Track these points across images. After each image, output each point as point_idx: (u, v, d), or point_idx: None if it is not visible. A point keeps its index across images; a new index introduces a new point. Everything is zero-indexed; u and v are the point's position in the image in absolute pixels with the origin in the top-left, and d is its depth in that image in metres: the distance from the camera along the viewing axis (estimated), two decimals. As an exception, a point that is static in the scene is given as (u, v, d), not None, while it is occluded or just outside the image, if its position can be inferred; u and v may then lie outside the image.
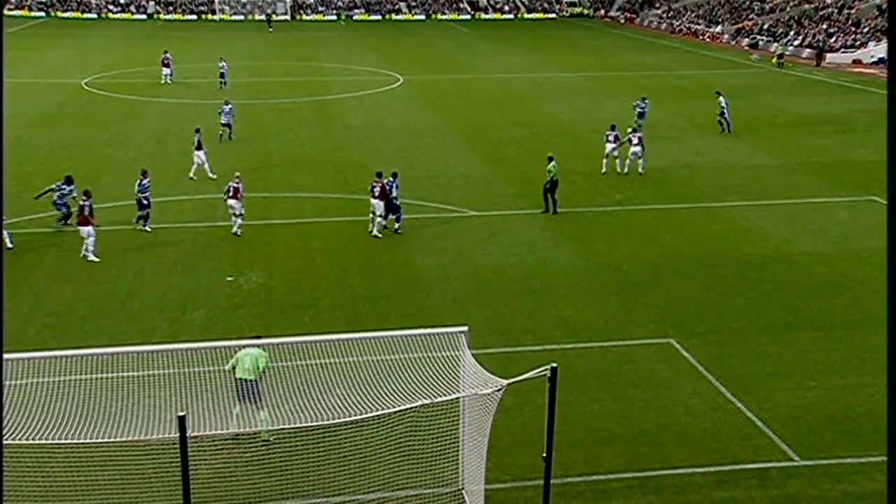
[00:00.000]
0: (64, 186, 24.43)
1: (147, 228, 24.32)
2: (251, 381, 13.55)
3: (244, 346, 13.66)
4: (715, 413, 15.44)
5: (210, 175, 29.61)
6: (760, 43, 75.13)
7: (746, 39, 77.84)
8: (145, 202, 24.41)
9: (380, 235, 24.09)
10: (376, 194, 23.99)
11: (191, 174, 29.74)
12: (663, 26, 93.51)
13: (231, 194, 24.14)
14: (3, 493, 10.62)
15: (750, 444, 14.46)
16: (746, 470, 13.77)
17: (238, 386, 13.55)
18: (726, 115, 39.00)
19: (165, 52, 52.11)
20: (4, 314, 10.14)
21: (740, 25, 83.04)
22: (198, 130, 30.25)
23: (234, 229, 24.20)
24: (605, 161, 31.31)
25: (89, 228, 22.34)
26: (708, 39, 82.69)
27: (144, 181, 24.40)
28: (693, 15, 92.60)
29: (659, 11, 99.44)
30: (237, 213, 24.23)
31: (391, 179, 24.43)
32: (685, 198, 28.96)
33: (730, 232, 25.50)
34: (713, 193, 29.43)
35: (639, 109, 38.61)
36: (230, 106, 36.28)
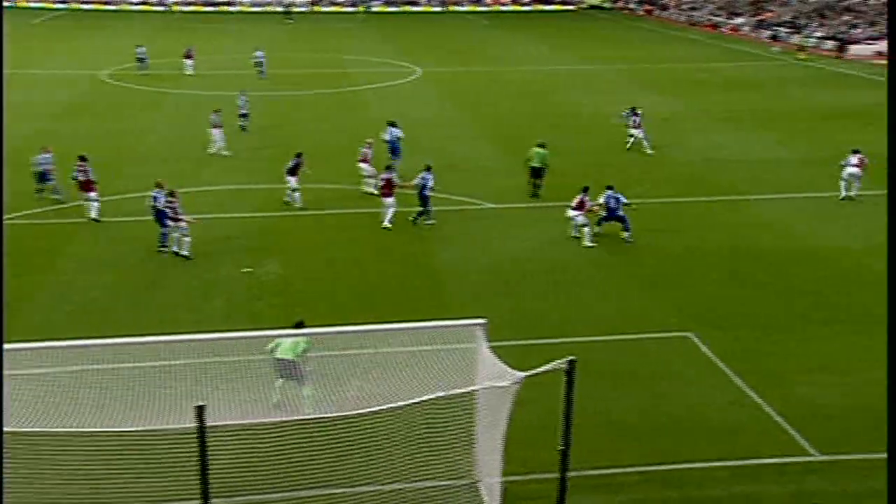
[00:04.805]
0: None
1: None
2: (291, 361, 13.66)
3: (283, 336, 13.76)
4: (735, 407, 15.34)
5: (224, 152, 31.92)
6: (781, 35, 74.33)
7: (767, 31, 77.05)
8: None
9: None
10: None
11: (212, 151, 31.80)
12: (682, 18, 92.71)
13: (361, 159, 27.42)
14: (3, 491, 10.79)
15: (769, 439, 14.34)
16: (765, 465, 13.67)
17: (278, 366, 13.69)
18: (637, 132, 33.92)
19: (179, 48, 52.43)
20: (4, 314, 10.22)
21: (761, 17, 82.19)
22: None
23: (369, 189, 26.88)
24: (630, 140, 33.72)
25: (392, 199, 24.20)
26: (728, 31, 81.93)
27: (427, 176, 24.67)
28: (713, 7, 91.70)
29: (678, 3, 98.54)
30: (368, 174, 27.10)
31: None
32: (706, 191, 28.72)
33: (753, 225, 25.27)
34: (735, 186, 29.19)
35: None
36: (245, 97, 36.76)
